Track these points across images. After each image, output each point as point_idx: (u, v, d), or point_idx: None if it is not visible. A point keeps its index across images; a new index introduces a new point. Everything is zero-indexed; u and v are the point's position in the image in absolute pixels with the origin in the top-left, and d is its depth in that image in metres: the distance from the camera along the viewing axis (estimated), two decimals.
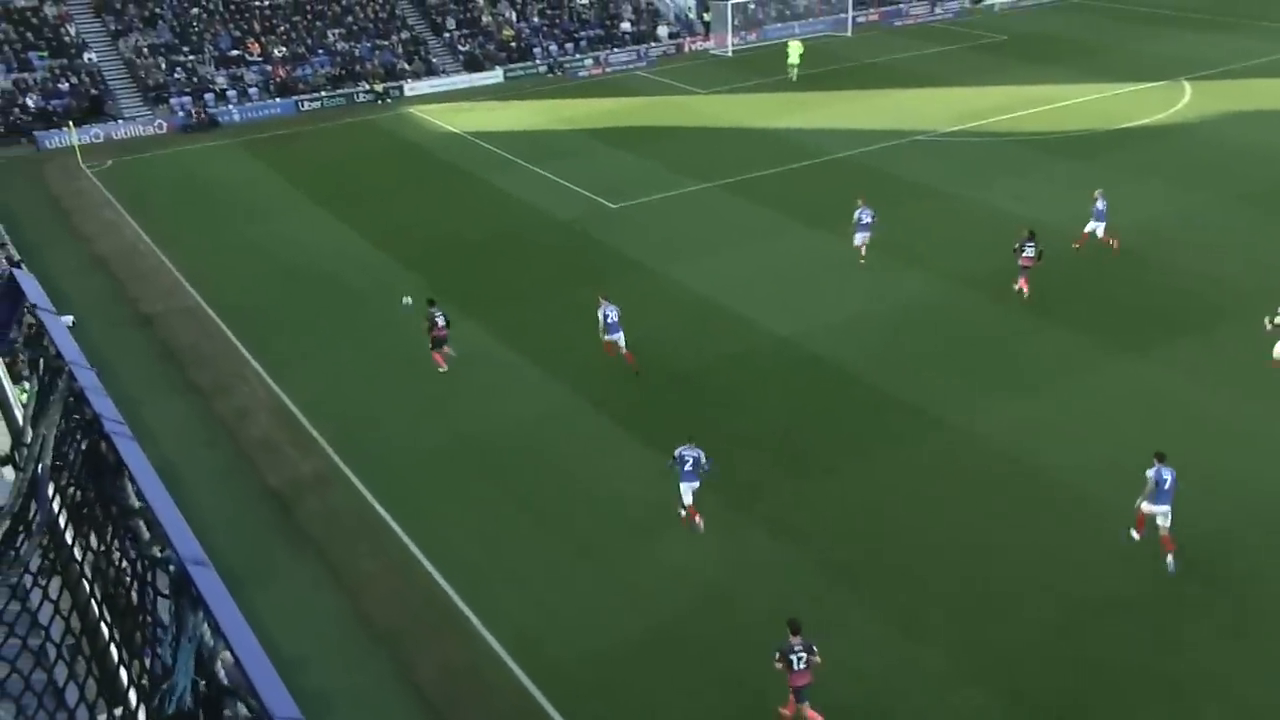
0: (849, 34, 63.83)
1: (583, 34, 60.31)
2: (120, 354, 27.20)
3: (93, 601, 3.46)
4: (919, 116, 44.57)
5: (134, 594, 3.04)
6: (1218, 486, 20.18)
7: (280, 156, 44.35)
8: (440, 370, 25.59)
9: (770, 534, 19.61)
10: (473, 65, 56.77)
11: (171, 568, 2.67)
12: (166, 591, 2.72)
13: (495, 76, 56.39)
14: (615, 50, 59.67)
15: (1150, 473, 18.07)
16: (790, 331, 27.11)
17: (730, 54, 60.26)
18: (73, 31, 51.50)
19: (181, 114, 49.26)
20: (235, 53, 53.08)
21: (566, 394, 24.61)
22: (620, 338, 24.94)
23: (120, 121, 48.16)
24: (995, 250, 31.10)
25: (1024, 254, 27.44)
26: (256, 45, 53.54)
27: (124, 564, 3.19)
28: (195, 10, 54.16)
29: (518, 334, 27.68)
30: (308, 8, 56.29)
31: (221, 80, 51.48)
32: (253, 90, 51.73)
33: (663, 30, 62.00)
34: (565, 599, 18.37)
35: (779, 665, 15.24)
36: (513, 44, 58.27)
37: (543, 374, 25.56)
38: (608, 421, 23.38)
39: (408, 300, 27.75)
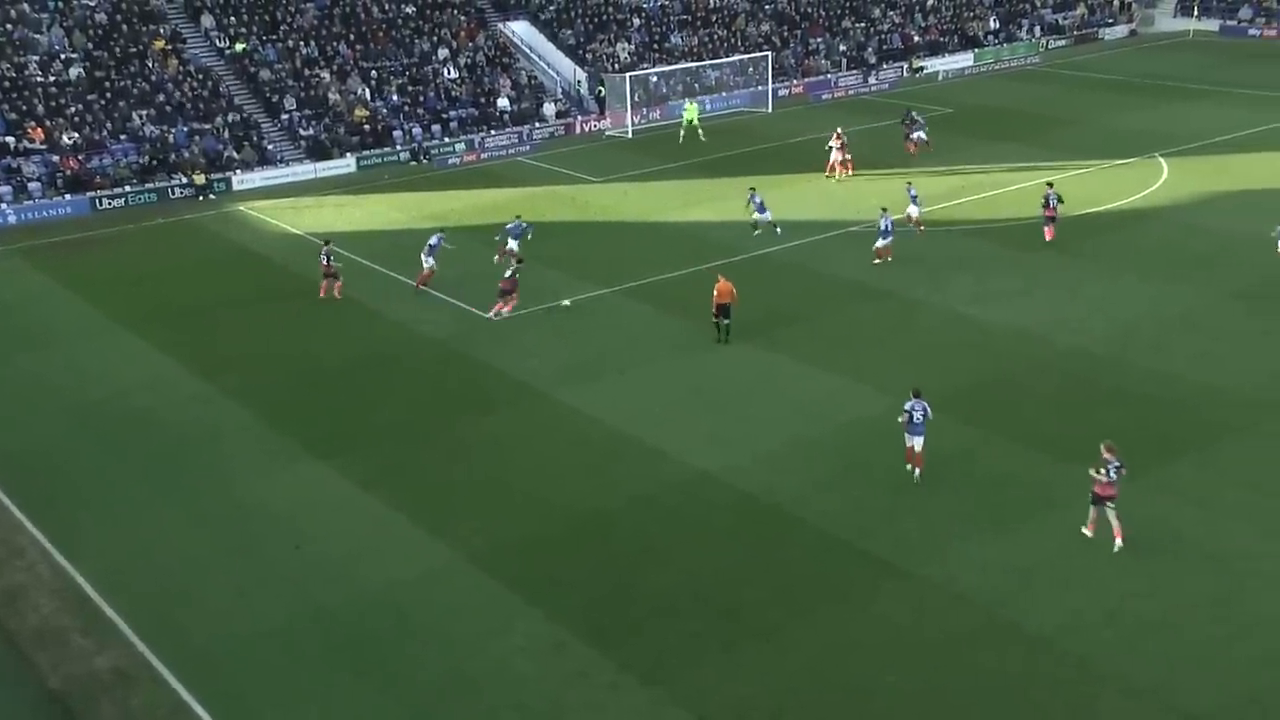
0: (769, 110, 66.43)
1: (452, 114, 61.54)
2: None
3: None
4: (852, 204, 46.18)
5: None
6: (1256, 633, 20.73)
7: (70, 267, 43.83)
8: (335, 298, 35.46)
9: (698, 717, 19.47)
10: (318, 152, 57.31)
11: None
12: None
13: (346, 165, 57.02)
14: (492, 133, 60.94)
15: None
16: (714, 465, 27.37)
17: (630, 135, 61.97)
18: None
19: None
20: (10, 139, 52.77)
21: (447, 551, 24.39)
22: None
23: None
24: (949, 358, 32.07)
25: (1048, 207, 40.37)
26: (39, 130, 53.36)
27: None
28: None
29: (386, 478, 27.49)
30: (106, 84, 56.44)
31: None
32: (34, 185, 51.41)
33: (549, 109, 63.59)
34: None
35: None
36: (367, 126, 59.13)
37: (416, 526, 25.34)
38: (498, 587, 23.16)
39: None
